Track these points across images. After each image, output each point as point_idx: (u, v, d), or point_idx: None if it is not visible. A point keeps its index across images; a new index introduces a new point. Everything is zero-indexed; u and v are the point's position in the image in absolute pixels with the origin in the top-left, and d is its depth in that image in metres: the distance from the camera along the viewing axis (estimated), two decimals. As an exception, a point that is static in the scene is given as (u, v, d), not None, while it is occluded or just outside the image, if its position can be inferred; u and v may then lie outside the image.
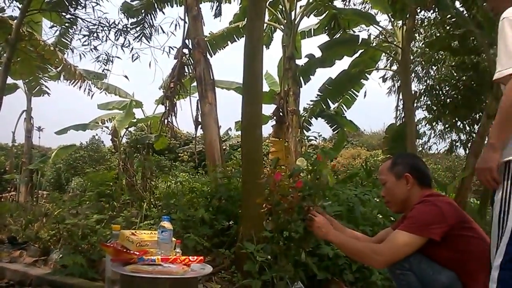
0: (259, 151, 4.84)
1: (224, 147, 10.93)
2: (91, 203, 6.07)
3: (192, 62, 7.46)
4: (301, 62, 11.39)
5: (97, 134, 20.82)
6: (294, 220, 2.89)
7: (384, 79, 13.43)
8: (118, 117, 12.05)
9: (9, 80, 9.82)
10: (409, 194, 2.42)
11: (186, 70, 7.73)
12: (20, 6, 7.70)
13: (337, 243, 2.53)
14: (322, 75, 11.85)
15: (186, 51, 7.62)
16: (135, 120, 12.91)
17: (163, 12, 8.25)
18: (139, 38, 8.67)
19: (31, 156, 13.07)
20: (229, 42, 11.54)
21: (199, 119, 7.20)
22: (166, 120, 7.36)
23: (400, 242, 2.20)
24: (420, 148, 13.79)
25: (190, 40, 7.40)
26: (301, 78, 11.25)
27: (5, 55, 8.72)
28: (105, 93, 12.77)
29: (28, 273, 3.91)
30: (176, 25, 7.85)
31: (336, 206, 4.33)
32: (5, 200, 12.76)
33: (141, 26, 8.59)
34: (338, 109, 13.01)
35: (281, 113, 10.39)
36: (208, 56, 7.44)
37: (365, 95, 12.71)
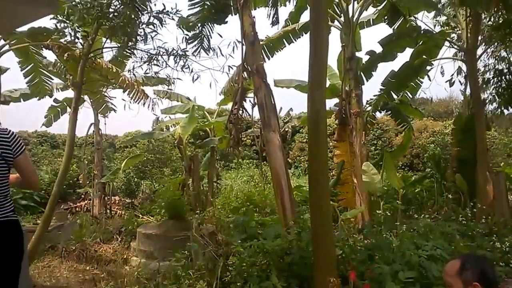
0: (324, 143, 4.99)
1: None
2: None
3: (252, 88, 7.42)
4: (361, 55, 11.06)
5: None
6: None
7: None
8: (182, 123, 12.26)
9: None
10: None
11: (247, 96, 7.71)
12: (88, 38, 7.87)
13: None
14: (383, 68, 11.38)
15: (245, 74, 7.59)
16: (198, 126, 13.13)
17: (220, 35, 8.13)
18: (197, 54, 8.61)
19: (102, 167, 13.68)
20: (285, 43, 11.33)
21: (263, 146, 7.22)
22: (232, 148, 7.41)
23: None
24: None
25: (248, 66, 7.37)
26: (362, 75, 10.96)
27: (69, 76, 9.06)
28: (169, 101, 13.01)
29: None
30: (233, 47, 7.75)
31: (407, 272, 4.23)
32: (80, 209, 13.59)
33: (198, 48, 8.59)
34: (403, 97, 12.58)
35: (343, 115, 10.18)
36: (268, 82, 7.32)
37: (429, 78, 12.09)
